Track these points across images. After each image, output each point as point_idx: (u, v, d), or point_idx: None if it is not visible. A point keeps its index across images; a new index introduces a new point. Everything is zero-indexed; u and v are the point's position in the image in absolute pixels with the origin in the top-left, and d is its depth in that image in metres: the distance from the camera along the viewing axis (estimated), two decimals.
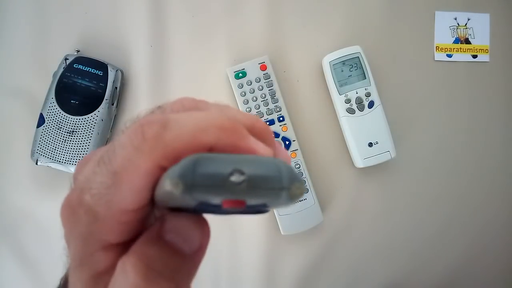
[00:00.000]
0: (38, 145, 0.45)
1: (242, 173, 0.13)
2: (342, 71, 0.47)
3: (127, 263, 0.14)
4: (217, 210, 0.14)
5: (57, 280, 0.42)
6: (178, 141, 0.13)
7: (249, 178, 0.13)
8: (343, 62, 0.47)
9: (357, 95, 0.46)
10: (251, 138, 0.15)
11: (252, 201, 0.13)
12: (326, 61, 0.47)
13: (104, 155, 0.14)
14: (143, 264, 0.14)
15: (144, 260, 0.14)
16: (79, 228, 0.15)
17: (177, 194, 0.12)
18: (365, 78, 0.46)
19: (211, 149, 0.14)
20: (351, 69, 0.47)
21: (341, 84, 0.47)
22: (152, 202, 0.15)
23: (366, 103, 0.46)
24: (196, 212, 0.15)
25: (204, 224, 0.15)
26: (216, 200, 0.13)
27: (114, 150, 0.14)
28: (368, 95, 0.46)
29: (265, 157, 0.14)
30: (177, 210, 0.15)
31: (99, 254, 0.15)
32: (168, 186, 0.12)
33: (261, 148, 0.15)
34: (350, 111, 0.46)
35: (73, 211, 0.15)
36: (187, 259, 0.15)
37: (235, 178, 0.13)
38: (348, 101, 0.46)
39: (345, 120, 0.47)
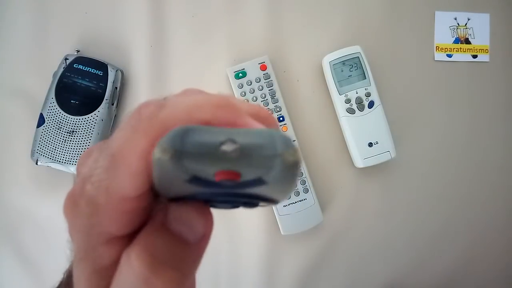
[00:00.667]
0: (38, 145, 0.45)
1: (234, 142, 0.12)
2: (342, 71, 0.47)
3: (132, 253, 0.14)
4: (213, 193, 0.14)
5: (57, 280, 0.42)
6: (173, 118, 0.13)
7: (242, 147, 0.12)
8: (343, 62, 0.47)
9: (357, 95, 0.46)
10: (248, 116, 0.14)
11: (246, 173, 0.13)
12: (326, 61, 0.47)
13: (105, 142, 0.15)
14: (148, 254, 0.14)
15: (149, 250, 0.14)
16: (81, 221, 0.15)
17: (166, 162, 0.12)
18: (365, 78, 0.46)
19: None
20: (351, 69, 0.47)
21: (341, 84, 0.47)
22: (153, 192, 0.15)
23: (366, 103, 0.46)
24: (195, 200, 0.15)
25: (208, 213, 0.15)
26: (208, 171, 0.12)
27: (114, 135, 0.14)
28: (368, 95, 0.46)
29: (260, 128, 0.14)
30: (178, 200, 0.15)
31: (102, 248, 0.15)
32: (157, 153, 0.12)
33: (258, 125, 0.14)
34: (350, 111, 0.46)
35: (75, 203, 0.15)
36: (192, 248, 0.15)
37: (226, 146, 0.12)
38: (348, 101, 0.46)
39: (345, 120, 0.47)
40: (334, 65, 0.47)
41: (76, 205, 0.15)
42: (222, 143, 0.12)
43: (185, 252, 0.15)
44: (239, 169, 0.12)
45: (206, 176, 0.13)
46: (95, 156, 0.15)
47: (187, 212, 0.15)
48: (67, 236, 0.16)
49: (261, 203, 0.16)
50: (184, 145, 0.12)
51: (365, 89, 0.46)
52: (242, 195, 0.14)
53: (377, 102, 0.46)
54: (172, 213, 0.15)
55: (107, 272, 0.15)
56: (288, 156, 0.12)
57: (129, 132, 0.14)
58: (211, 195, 0.14)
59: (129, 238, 0.15)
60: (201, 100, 0.14)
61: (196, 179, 0.13)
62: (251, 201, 0.15)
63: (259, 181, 0.13)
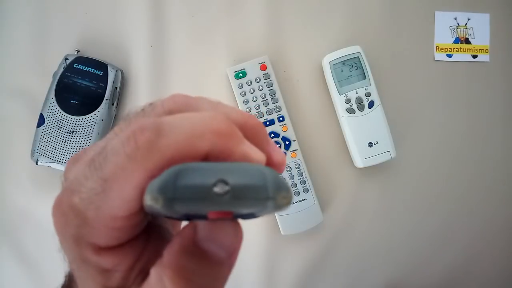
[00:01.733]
0: (38, 145, 0.45)
1: (226, 183, 0.12)
2: (342, 71, 0.47)
3: (165, 277, 0.13)
4: (205, 218, 0.14)
5: (56, 280, 0.42)
6: (173, 149, 0.13)
7: (233, 189, 0.12)
8: (343, 62, 0.47)
9: (357, 95, 0.46)
10: (246, 143, 0.14)
11: (238, 211, 0.13)
12: (326, 61, 0.47)
13: (95, 158, 0.14)
14: (181, 278, 0.13)
15: (183, 274, 0.13)
16: (70, 230, 0.14)
17: (158, 209, 0.12)
18: (365, 78, 0.46)
19: (206, 155, 0.14)
20: (351, 69, 0.47)
21: (341, 84, 0.47)
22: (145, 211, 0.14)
23: (366, 103, 0.46)
24: (189, 219, 0.15)
25: (238, 227, 0.15)
26: (200, 211, 0.13)
27: (106, 156, 0.14)
28: (368, 95, 0.46)
29: (252, 164, 0.14)
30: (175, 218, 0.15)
31: (94, 257, 0.14)
32: (148, 201, 0.12)
33: (254, 153, 0.14)
34: (350, 111, 0.46)
35: (63, 213, 0.14)
36: (224, 265, 0.15)
37: (218, 189, 0.12)
38: (348, 101, 0.46)
39: (345, 120, 0.47)
40: (334, 65, 0.47)
41: (64, 215, 0.14)
42: (214, 185, 0.12)
43: (218, 271, 0.14)
44: (231, 209, 0.13)
45: (199, 215, 0.13)
46: (83, 169, 0.14)
47: (218, 229, 0.14)
48: (57, 241, 0.15)
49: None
50: (176, 192, 0.12)
51: (365, 89, 0.46)
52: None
53: (377, 102, 0.46)
54: (203, 231, 0.14)
55: (109, 274, 0.15)
56: (281, 200, 0.13)
57: (124, 160, 0.13)
58: (200, 218, 0.15)
59: (120, 246, 0.15)
60: (200, 126, 0.14)
61: (188, 216, 0.13)
62: (239, 217, 0.15)
63: (251, 215, 0.14)
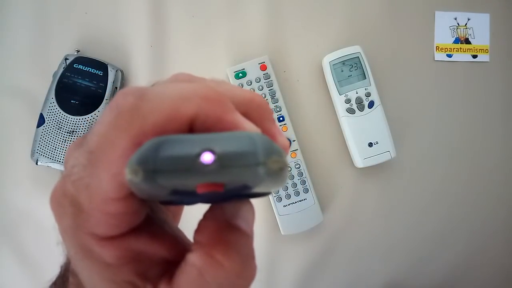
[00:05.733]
0: (38, 145, 0.45)
1: (212, 152, 0.11)
2: (342, 71, 0.47)
3: (217, 254, 0.13)
4: (199, 198, 0.13)
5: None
6: (157, 113, 0.12)
7: (220, 157, 0.11)
8: (343, 62, 0.47)
9: (357, 95, 0.46)
10: (237, 113, 0.13)
11: (229, 182, 0.12)
12: (326, 61, 0.47)
13: (86, 135, 0.13)
14: (236, 253, 0.14)
15: (235, 249, 0.14)
16: (67, 221, 0.14)
17: (138, 183, 0.11)
18: (365, 78, 0.46)
19: (192, 124, 0.13)
20: (351, 69, 0.47)
21: (341, 84, 0.47)
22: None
23: (366, 103, 0.46)
24: (178, 201, 0.15)
25: (250, 203, 0.16)
26: (188, 185, 0.11)
27: (92, 128, 0.13)
28: (368, 95, 0.46)
29: (241, 131, 0.13)
30: (168, 203, 0.15)
31: (97, 248, 0.14)
32: (128, 174, 0.11)
33: (246, 123, 0.13)
34: (350, 111, 0.46)
35: (59, 203, 0.14)
36: (251, 237, 0.16)
37: (204, 158, 0.11)
38: (348, 101, 0.46)
39: (345, 120, 0.47)
40: (334, 65, 0.47)
41: (60, 205, 0.14)
42: (199, 155, 0.11)
43: (250, 242, 0.15)
44: (220, 180, 0.11)
45: (187, 189, 0.12)
46: (74, 149, 0.14)
47: (240, 206, 0.15)
48: (58, 235, 0.15)
49: (255, 197, 0.16)
50: (157, 163, 0.11)
51: (365, 89, 0.46)
52: (231, 196, 0.14)
53: (377, 102, 0.46)
54: (228, 210, 0.15)
55: (114, 268, 0.14)
56: (272, 164, 0.12)
57: (107, 127, 0.12)
58: (201, 200, 0.14)
59: (121, 236, 0.14)
60: (188, 91, 0.13)
61: (177, 192, 0.12)
62: (236, 194, 0.14)
63: (244, 187, 0.13)
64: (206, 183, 0.11)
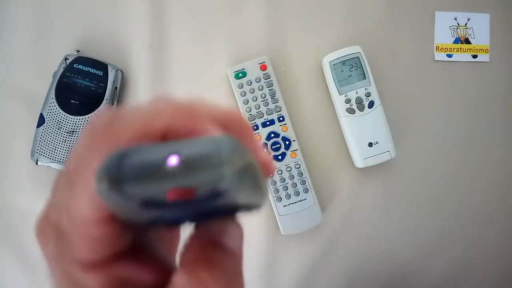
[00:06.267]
0: (38, 145, 0.45)
1: (178, 155, 0.11)
2: (342, 71, 0.47)
3: (202, 272, 0.13)
4: (174, 213, 0.12)
5: None
6: (129, 129, 0.12)
7: (186, 159, 0.11)
8: (343, 62, 0.47)
9: (357, 95, 0.46)
10: (209, 123, 0.13)
11: (199, 188, 0.11)
12: (326, 61, 0.47)
13: (66, 162, 0.14)
14: (216, 269, 0.14)
15: (215, 265, 0.14)
16: (50, 249, 0.14)
17: (105, 191, 0.11)
18: (365, 78, 0.46)
19: (165, 138, 0.13)
20: (351, 69, 0.47)
21: (341, 84, 0.47)
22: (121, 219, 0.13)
23: (366, 103, 0.46)
24: (170, 225, 0.14)
25: (237, 223, 0.16)
26: (157, 193, 0.11)
27: (71, 153, 0.13)
28: (368, 95, 0.46)
29: (206, 136, 0.12)
30: (152, 226, 0.14)
31: (81, 275, 0.13)
32: (94, 184, 0.11)
33: (216, 131, 0.13)
34: (350, 111, 0.46)
35: (42, 231, 0.14)
36: (238, 254, 0.15)
37: (170, 161, 0.11)
38: (348, 101, 0.46)
39: (345, 120, 0.47)
40: (334, 65, 0.47)
41: (43, 233, 0.14)
42: (165, 159, 0.11)
43: (236, 259, 0.15)
44: (188, 184, 0.11)
45: (157, 198, 0.11)
46: (60, 177, 0.14)
47: (225, 224, 0.15)
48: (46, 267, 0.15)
49: (240, 212, 0.15)
50: (122, 169, 0.11)
51: (365, 89, 0.46)
52: (213, 211, 0.13)
53: (377, 102, 0.46)
54: (213, 228, 0.15)
55: None
56: (235, 162, 0.11)
57: (82, 148, 0.13)
58: (183, 217, 0.13)
59: (104, 261, 0.14)
60: (160, 107, 0.13)
61: (148, 204, 0.11)
62: (228, 212, 0.15)
63: (217, 193, 0.11)
64: (175, 188, 0.11)
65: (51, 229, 0.13)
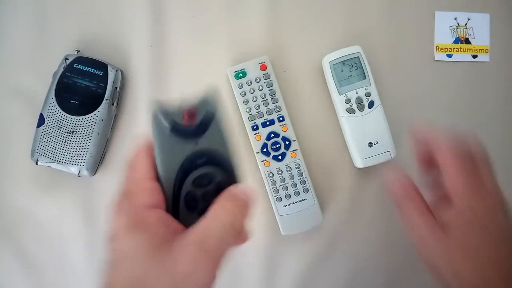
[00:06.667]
0: (38, 145, 0.45)
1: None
2: (342, 71, 0.47)
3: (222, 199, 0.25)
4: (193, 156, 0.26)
5: (56, 280, 0.43)
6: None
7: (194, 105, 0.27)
8: (343, 62, 0.47)
9: (357, 95, 0.46)
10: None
11: (199, 109, 0.26)
12: (326, 61, 0.47)
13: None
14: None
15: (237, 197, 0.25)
16: (124, 204, 0.25)
17: (155, 114, 0.25)
18: (365, 78, 0.46)
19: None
20: (351, 69, 0.47)
21: (341, 84, 0.47)
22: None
23: (366, 103, 0.46)
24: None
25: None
26: (178, 118, 0.25)
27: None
28: (368, 95, 0.46)
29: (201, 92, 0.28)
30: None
31: (143, 213, 0.24)
32: (153, 111, 0.25)
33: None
34: (350, 111, 0.46)
35: (119, 203, 0.26)
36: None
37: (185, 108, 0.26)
38: (348, 101, 0.46)
39: (345, 120, 0.47)
40: (334, 65, 0.47)
41: (120, 202, 0.25)
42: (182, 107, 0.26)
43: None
44: (195, 107, 0.26)
45: (178, 121, 0.25)
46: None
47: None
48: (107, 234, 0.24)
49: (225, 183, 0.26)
50: (162, 109, 0.25)
51: (365, 89, 0.46)
52: (204, 158, 0.26)
53: (377, 102, 0.46)
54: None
55: (154, 227, 0.23)
56: (216, 104, 0.27)
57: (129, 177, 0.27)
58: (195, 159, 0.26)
59: (157, 208, 0.25)
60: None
61: (174, 127, 0.25)
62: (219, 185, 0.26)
63: (209, 115, 0.26)
64: (186, 110, 0.26)
65: (125, 196, 0.25)
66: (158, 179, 0.25)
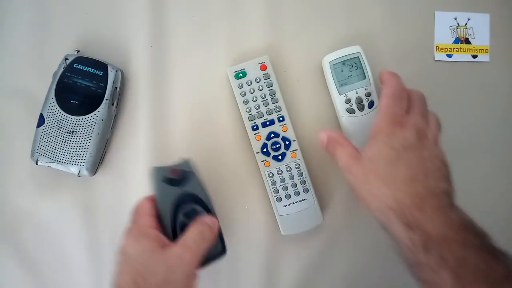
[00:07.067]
0: (38, 145, 0.45)
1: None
2: (342, 71, 0.47)
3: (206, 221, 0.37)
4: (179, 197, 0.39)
5: (56, 280, 0.43)
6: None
7: (174, 167, 0.40)
8: (343, 62, 0.47)
9: (357, 95, 0.46)
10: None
11: (180, 169, 0.40)
12: (326, 61, 0.47)
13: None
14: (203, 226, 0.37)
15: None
16: (133, 229, 0.37)
17: (153, 179, 0.39)
18: (365, 78, 0.46)
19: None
20: (351, 69, 0.47)
21: (341, 84, 0.47)
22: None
23: (366, 103, 0.46)
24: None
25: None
26: (167, 174, 0.39)
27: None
28: (368, 95, 0.46)
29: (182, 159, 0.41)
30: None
31: (148, 229, 0.35)
32: (151, 173, 0.39)
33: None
34: (350, 111, 0.46)
35: (128, 230, 0.37)
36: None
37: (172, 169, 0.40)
38: (348, 101, 0.46)
39: (345, 120, 0.47)
40: (334, 65, 0.47)
41: (129, 229, 0.37)
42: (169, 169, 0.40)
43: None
44: (176, 168, 0.40)
45: (167, 176, 0.39)
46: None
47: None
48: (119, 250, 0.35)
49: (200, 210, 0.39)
50: (157, 168, 0.40)
51: (365, 89, 0.46)
52: (188, 198, 0.39)
53: (377, 102, 0.46)
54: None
55: (153, 235, 0.35)
56: (191, 166, 0.41)
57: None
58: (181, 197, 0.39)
59: (155, 228, 0.36)
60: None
61: (165, 178, 0.39)
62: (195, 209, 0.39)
63: (186, 173, 0.40)
64: (171, 169, 0.40)
65: (131, 225, 0.37)
66: (159, 214, 0.38)
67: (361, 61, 0.46)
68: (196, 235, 0.35)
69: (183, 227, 0.37)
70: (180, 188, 0.39)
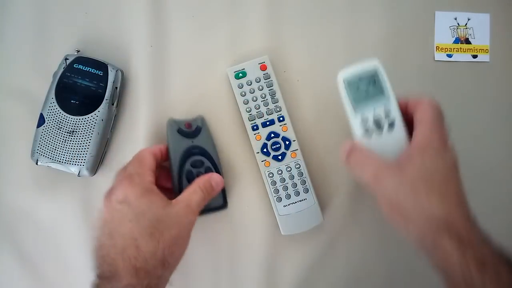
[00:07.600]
0: (38, 145, 0.45)
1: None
2: (358, 88, 0.39)
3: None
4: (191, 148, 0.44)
5: (56, 280, 0.43)
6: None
7: (189, 121, 0.46)
8: (360, 78, 0.39)
9: (375, 113, 0.39)
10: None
11: (193, 123, 0.46)
12: (340, 77, 0.39)
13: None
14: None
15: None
16: (137, 182, 0.38)
17: (170, 128, 0.45)
18: (383, 94, 0.40)
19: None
20: (368, 86, 0.39)
21: (357, 101, 0.39)
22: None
23: (385, 123, 0.39)
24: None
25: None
26: (182, 126, 0.45)
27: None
28: (388, 113, 0.39)
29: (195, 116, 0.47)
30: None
31: (150, 185, 0.38)
32: (168, 124, 0.45)
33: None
34: (368, 132, 0.38)
35: (119, 173, 0.40)
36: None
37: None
38: (365, 120, 0.39)
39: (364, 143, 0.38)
40: (349, 83, 0.39)
41: (131, 177, 0.38)
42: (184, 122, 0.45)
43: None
44: (191, 121, 0.45)
45: (182, 127, 0.44)
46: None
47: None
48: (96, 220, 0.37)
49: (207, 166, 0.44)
50: (173, 119, 0.46)
51: (384, 106, 0.39)
52: (198, 151, 0.44)
53: (398, 121, 0.39)
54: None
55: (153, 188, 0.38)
56: (202, 120, 0.46)
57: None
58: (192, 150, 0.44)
59: (157, 184, 0.39)
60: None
61: (179, 129, 0.44)
62: (203, 165, 0.43)
63: (199, 127, 0.45)
64: (186, 123, 0.45)
65: (134, 173, 0.38)
66: (169, 161, 0.43)
67: (379, 76, 0.39)
68: (196, 192, 0.39)
69: (188, 176, 0.42)
70: (191, 141, 0.43)
